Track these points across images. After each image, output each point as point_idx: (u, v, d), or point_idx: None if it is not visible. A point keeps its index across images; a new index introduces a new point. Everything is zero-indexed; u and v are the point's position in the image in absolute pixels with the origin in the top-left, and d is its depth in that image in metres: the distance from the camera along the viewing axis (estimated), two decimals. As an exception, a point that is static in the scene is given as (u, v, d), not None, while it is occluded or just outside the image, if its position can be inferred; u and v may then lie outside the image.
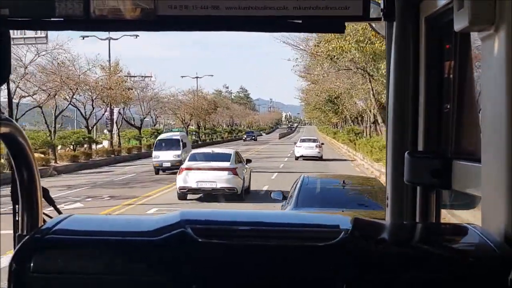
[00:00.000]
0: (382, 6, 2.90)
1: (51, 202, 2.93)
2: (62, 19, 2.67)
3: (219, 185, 27.50)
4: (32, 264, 1.93)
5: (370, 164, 46.52)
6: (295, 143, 64.17)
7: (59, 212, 2.79)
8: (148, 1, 2.65)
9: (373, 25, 3.39)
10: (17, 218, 2.74)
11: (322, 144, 64.87)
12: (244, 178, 28.93)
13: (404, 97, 2.94)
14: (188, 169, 28.02)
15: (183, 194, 28.29)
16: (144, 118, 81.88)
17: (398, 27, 2.93)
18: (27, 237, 2.09)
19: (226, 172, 27.69)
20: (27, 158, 2.65)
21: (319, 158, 58.48)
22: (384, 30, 3.08)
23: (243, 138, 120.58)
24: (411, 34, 2.91)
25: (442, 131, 2.89)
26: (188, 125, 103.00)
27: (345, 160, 59.10)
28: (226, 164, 28.25)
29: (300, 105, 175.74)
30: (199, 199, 28.57)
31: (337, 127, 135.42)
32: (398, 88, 2.95)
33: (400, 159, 2.84)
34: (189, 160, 29.30)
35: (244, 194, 28.56)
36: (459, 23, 2.17)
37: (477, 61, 2.63)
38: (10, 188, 2.73)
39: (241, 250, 2.01)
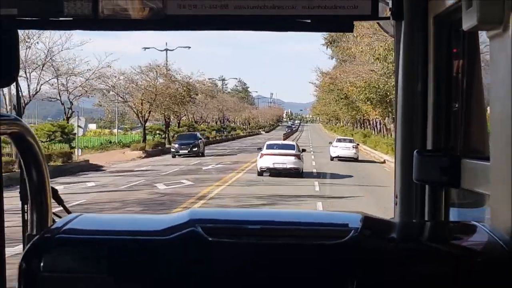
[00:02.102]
0: (390, 5, 2.91)
1: (60, 201, 2.93)
2: (71, 18, 2.67)
3: (288, 166, 38.66)
4: (42, 264, 1.94)
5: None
6: (331, 142, 59.36)
7: (68, 212, 2.80)
8: (157, 1, 2.65)
9: (381, 24, 3.38)
10: (26, 218, 2.74)
11: (358, 144, 60.53)
12: (303, 162, 40.71)
13: (413, 96, 2.94)
14: (266, 154, 39.38)
15: (261, 172, 39.31)
16: (27, 103, 42.93)
17: (406, 26, 2.92)
18: (36, 237, 2.10)
19: (293, 157, 39.22)
20: (36, 158, 2.65)
21: (355, 160, 53.86)
22: (392, 29, 3.08)
23: (173, 150, 60.54)
24: (419, 33, 2.90)
25: (450, 129, 2.89)
26: (145, 117, 66.34)
27: (374, 162, 53.96)
28: (292, 151, 39.95)
29: (313, 95, 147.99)
30: (269, 175, 38.42)
31: (363, 125, 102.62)
32: (407, 86, 2.95)
33: (409, 158, 2.84)
34: (266, 149, 40.25)
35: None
36: (468, 22, 2.16)
37: (485, 60, 2.63)
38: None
39: (250, 249, 2.02)
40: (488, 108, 2.47)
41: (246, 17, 2.68)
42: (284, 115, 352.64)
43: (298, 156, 39.66)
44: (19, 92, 3.19)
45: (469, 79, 2.80)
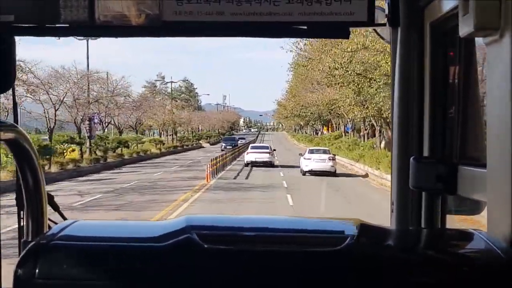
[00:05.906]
0: (386, 11, 2.92)
1: (55, 207, 2.92)
2: (67, 25, 2.67)
3: (265, 160, 58.86)
4: (37, 270, 1.93)
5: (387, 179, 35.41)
6: (301, 154, 53.99)
7: (64, 218, 2.79)
8: (153, 7, 2.65)
9: (378, 30, 3.40)
10: (22, 224, 2.73)
11: (335, 155, 52.63)
12: (275, 157, 62.87)
13: (409, 102, 2.95)
14: (251, 152, 60.65)
15: (247, 164, 59.09)
16: None
17: (402, 33, 2.94)
18: (32, 243, 2.08)
19: (268, 154, 60.02)
20: (32, 164, 2.64)
21: (332, 174, 47.02)
22: (388, 35, 3.10)
23: None
24: (415, 39, 2.92)
25: (447, 136, 2.90)
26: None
27: (355, 176, 48.31)
28: (268, 150, 61.21)
29: (288, 73, 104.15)
30: (253, 166, 57.24)
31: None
32: (403, 93, 2.96)
33: (405, 165, 2.84)
34: (251, 149, 62.22)
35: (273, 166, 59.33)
36: (464, 29, 2.16)
37: (481, 67, 2.65)
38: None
39: (246, 256, 2.01)
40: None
41: (242, 23, 2.68)
42: (242, 122, 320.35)
43: (272, 153, 61.03)
44: (15, 98, 3.17)
45: (466, 85, 2.81)
